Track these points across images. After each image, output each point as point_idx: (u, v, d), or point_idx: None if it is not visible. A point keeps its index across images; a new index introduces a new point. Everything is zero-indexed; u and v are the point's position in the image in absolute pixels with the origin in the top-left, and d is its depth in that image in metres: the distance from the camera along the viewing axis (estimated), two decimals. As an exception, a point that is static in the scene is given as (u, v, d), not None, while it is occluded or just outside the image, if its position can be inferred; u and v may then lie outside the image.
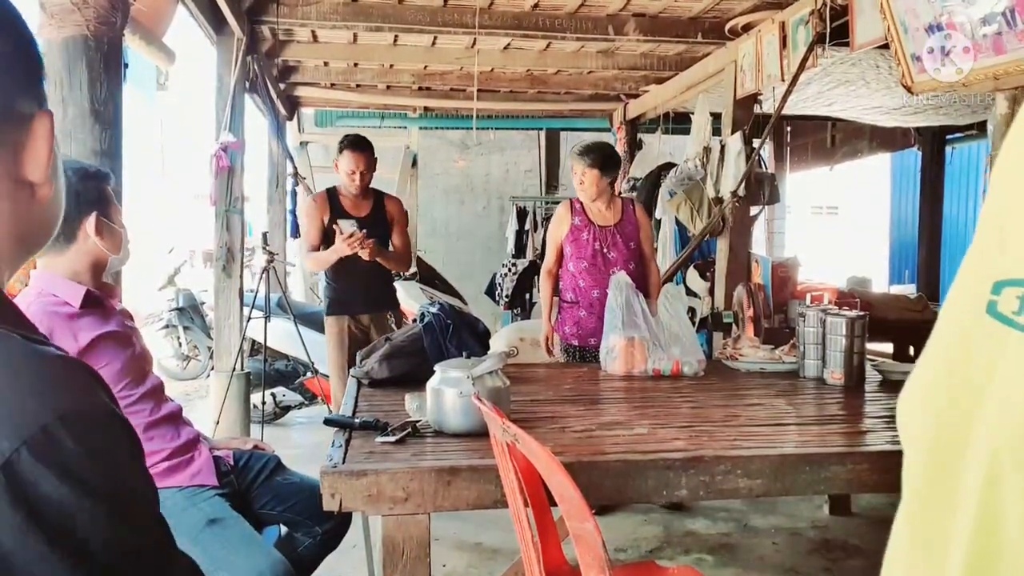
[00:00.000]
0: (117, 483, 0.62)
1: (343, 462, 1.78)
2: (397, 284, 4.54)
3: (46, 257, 1.93)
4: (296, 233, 7.57)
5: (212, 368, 4.84)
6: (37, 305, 1.86)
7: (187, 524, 1.91)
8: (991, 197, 0.61)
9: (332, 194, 3.84)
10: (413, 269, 6.14)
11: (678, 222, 5.47)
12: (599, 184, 3.51)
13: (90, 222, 1.90)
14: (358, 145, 3.75)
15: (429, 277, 6.56)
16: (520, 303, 7.37)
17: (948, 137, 7.42)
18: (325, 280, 3.98)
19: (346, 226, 3.64)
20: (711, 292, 5.12)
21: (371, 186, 3.88)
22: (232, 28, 4.31)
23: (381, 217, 3.85)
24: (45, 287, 1.90)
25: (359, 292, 3.84)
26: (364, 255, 3.60)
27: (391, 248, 3.88)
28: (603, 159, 3.53)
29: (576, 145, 3.69)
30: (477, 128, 6.52)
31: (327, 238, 3.77)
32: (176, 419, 2.11)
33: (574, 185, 3.61)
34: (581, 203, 3.63)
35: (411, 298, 5.51)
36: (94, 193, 1.91)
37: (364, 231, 3.62)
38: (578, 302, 3.60)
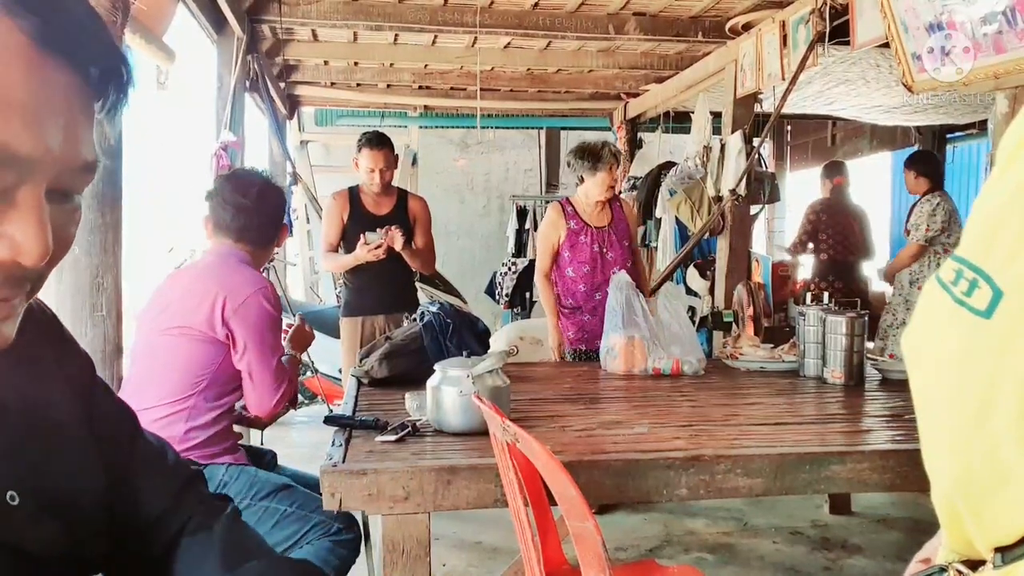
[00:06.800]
0: None
1: (343, 461, 1.78)
2: None
3: None
4: (292, 232, 7.57)
5: (212, 367, 4.83)
6: None
7: (266, 487, 2.09)
8: None
9: (353, 193, 3.75)
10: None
11: (678, 221, 5.47)
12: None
13: None
14: (377, 142, 3.66)
15: (429, 276, 6.57)
16: (520, 302, 7.36)
17: (948, 136, 7.41)
18: (342, 279, 3.92)
19: (373, 237, 3.55)
20: (711, 291, 5.12)
21: (394, 184, 3.82)
22: (232, 27, 4.30)
23: (403, 216, 3.75)
24: None
25: (375, 293, 3.73)
26: (397, 246, 3.52)
27: (413, 247, 3.77)
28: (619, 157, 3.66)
29: (607, 146, 3.59)
30: (478, 127, 6.52)
31: (347, 237, 3.69)
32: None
33: (601, 187, 3.52)
34: (572, 205, 3.62)
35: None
36: None
37: (389, 229, 3.54)
38: (580, 307, 3.58)
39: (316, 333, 5.19)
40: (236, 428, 2.31)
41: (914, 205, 4.85)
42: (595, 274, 3.53)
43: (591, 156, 3.52)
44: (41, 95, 0.53)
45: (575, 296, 3.59)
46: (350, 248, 3.64)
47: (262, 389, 2.14)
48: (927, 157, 5.29)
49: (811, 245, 5.20)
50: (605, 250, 3.56)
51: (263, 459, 2.38)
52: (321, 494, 2.02)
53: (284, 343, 2.38)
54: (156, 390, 2.08)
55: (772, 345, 3.30)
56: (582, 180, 3.59)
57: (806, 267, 5.71)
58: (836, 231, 5.13)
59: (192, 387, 2.08)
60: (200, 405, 2.10)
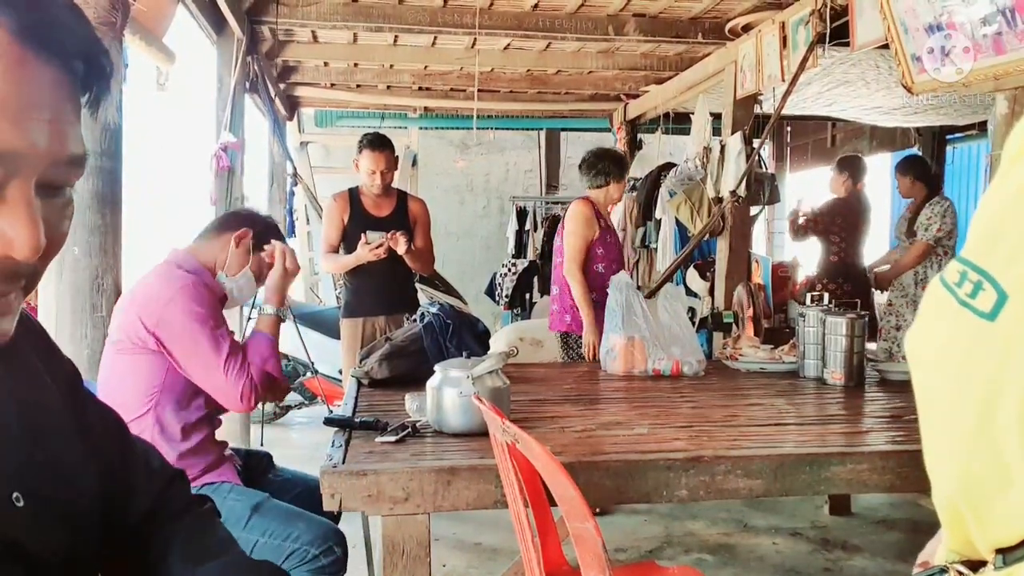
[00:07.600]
0: None
1: (343, 462, 1.78)
2: None
3: None
4: (293, 233, 7.57)
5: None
6: None
7: (234, 514, 1.95)
8: None
9: (354, 194, 3.76)
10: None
11: (678, 222, 5.47)
12: None
13: None
14: (378, 144, 3.67)
15: (429, 277, 6.57)
16: (520, 303, 7.36)
17: (948, 137, 7.41)
18: (342, 281, 3.94)
19: (374, 236, 3.57)
20: (711, 292, 5.12)
21: (394, 186, 3.83)
22: (232, 28, 4.30)
23: (403, 218, 3.76)
24: None
25: (375, 294, 3.74)
26: (400, 250, 3.55)
27: (413, 249, 3.78)
28: None
29: (626, 155, 3.83)
30: (478, 128, 6.52)
31: (347, 239, 3.70)
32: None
33: (622, 193, 3.91)
34: (595, 206, 3.78)
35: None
36: None
37: (394, 233, 3.57)
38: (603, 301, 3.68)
39: (315, 333, 5.19)
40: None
41: (918, 208, 4.90)
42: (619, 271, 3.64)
43: (619, 163, 3.78)
44: (25, 90, 0.53)
45: (600, 291, 3.65)
46: (350, 249, 3.65)
47: (218, 392, 2.01)
48: (920, 161, 5.36)
49: (820, 246, 5.23)
50: (620, 251, 3.86)
51: (260, 462, 2.33)
52: (301, 506, 2.03)
53: (259, 307, 2.30)
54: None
55: (772, 346, 3.30)
56: (606, 183, 3.76)
57: (805, 267, 5.71)
58: (848, 233, 5.17)
59: (148, 401, 1.98)
60: (163, 418, 1.99)
